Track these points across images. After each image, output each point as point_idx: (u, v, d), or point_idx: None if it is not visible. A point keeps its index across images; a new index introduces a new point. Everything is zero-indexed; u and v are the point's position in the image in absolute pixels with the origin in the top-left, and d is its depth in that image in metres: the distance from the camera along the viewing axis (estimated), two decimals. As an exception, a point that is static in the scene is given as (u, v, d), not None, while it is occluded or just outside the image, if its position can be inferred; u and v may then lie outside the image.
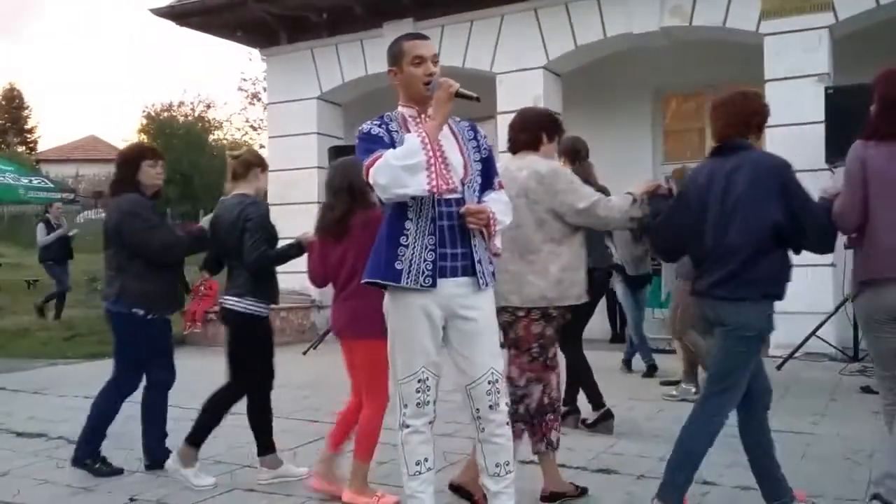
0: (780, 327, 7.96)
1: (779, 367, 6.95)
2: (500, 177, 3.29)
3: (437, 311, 2.89)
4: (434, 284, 2.85)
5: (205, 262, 4.31)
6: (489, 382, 2.91)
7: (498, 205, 2.99)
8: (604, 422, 5.01)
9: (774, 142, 8.04)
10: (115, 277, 4.23)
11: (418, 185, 2.79)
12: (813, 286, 7.27)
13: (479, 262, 2.91)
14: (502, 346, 3.34)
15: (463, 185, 2.92)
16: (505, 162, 3.61)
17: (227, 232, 3.98)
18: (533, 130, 3.69)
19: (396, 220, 2.89)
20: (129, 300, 4.17)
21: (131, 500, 3.81)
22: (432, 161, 2.79)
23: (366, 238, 3.34)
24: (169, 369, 4.48)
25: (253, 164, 4.11)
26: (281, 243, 4.18)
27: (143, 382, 4.49)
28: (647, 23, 8.88)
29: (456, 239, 2.89)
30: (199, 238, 4.30)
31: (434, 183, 2.78)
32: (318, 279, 3.90)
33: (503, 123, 9.81)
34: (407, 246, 2.87)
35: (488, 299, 2.97)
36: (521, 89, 9.36)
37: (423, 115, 2.95)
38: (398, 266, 2.86)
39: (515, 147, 3.73)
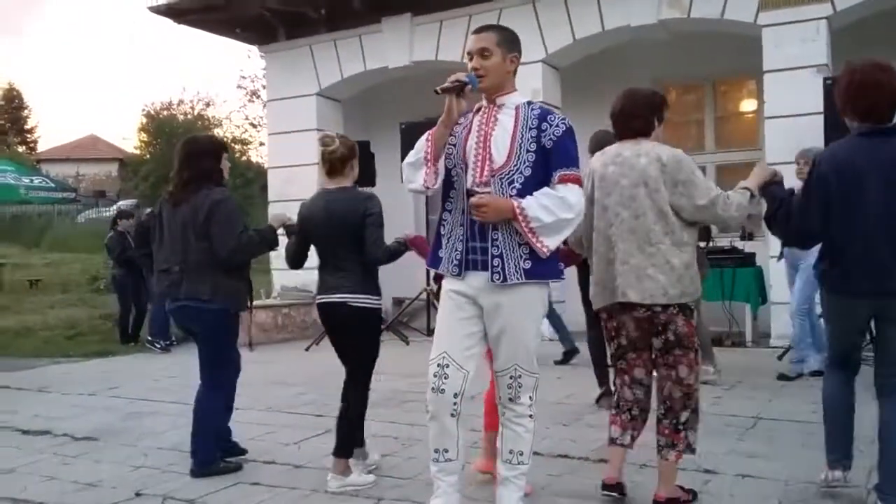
0: (781, 318, 8.01)
1: (780, 358, 6.97)
2: (614, 164, 3.34)
3: (471, 303, 2.98)
4: (460, 274, 2.97)
5: (291, 257, 4.07)
6: (511, 377, 3.01)
7: (542, 199, 2.89)
8: (606, 398, 5.22)
9: (773, 133, 8.08)
10: (204, 273, 4.02)
11: (419, 181, 2.99)
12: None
13: (500, 257, 2.91)
14: (663, 349, 3.30)
15: (493, 176, 2.93)
16: (617, 148, 3.42)
17: (338, 226, 3.79)
18: (646, 115, 3.42)
19: (441, 210, 3.08)
20: (224, 297, 4.04)
21: (137, 494, 3.83)
22: (429, 158, 2.94)
23: None
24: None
25: (348, 157, 3.91)
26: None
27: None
28: (645, 15, 8.87)
29: (480, 233, 2.95)
30: (269, 239, 4.17)
31: (427, 180, 2.96)
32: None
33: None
34: (444, 235, 3.05)
35: (516, 295, 2.93)
36: (520, 83, 9.08)
37: (491, 106, 3.04)
38: (441, 254, 3.05)
39: (625, 134, 3.45)
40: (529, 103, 3.05)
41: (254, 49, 14.33)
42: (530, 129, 2.95)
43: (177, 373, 7.71)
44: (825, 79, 7.57)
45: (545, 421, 4.93)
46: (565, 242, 3.20)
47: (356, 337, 3.88)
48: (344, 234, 3.79)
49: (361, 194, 3.91)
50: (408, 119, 9.30)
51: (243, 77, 28.71)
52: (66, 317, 11.49)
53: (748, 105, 10.45)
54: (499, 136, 2.96)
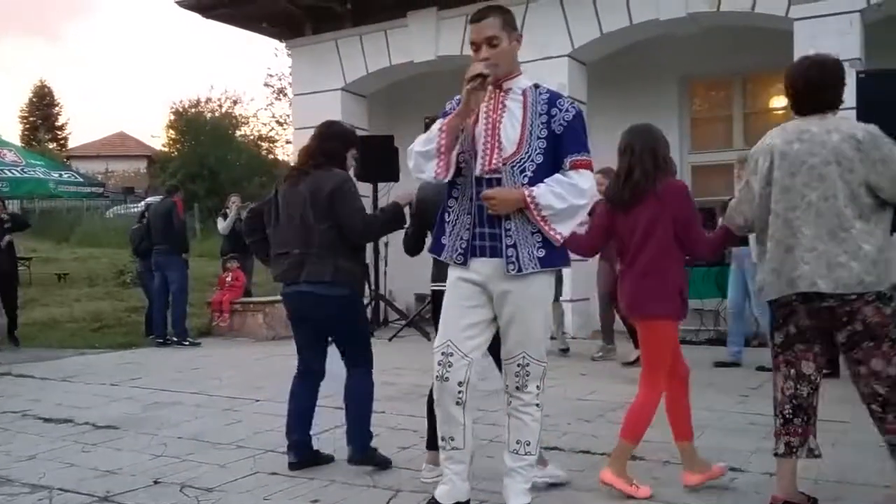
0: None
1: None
2: (799, 141, 3.01)
3: (479, 290, 2.94)
4: (465, 263, 2.92)
5: (407, 243, 3.84)
6: (518, 365, 2.97)
7: (554, 186, 2.85)
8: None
9: (805, 128, 7.90)
10: (326, 256, 3.80)
11: (430, 171, 2.93)
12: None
13: (514, 246, 2.87)
14: (850, 345, 2.96)
15: (506, 165, 2.88)
16: (800, 124, 3.08)
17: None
18: (835, 86, 3.08)
19: (448, 197, 3.02)
20: (345, 280, 3.81)
21: (156, 482, 3.82)
22: (443, 150, 2.88)
23: (662, 207, 3.36)
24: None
25: None
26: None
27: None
28: (674, 9, 8.74)
29: (488, 220, 2.91)
30: (397, 216, 3.89)
31: (439, 171, 2.90)
32: (590, 249, 3.77)
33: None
34: (450, 223, 2.99)
35: (527, 283, 2.89)
36: (546, 78, 9.16)
37: (498, 91, 2.96)
38: (444, 241, 3.01)
39: (810, 108, 3.08)
40: (537, 86, 2.99)
41: (280, 47, 14.43)
42: (540, 114, 2.91)
43: (200, 364, 7.76)
44: (858, 73, 7.40)
45: (567, 417, 4.87)
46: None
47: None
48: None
49: None
50: (433, 114, 9.22)
51: (270, 75, 28.92)
52: (93, 309, 11.57)
53: (779, 101, 10.25)
54: (507, 123, 2.92)
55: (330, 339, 4.02)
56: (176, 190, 10.48)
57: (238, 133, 28.53)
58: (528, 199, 2.82)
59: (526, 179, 2.87)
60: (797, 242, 3.00)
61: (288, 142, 26.73)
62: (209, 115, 28.46)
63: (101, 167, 33.80)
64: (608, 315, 7.46)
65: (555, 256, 2.92)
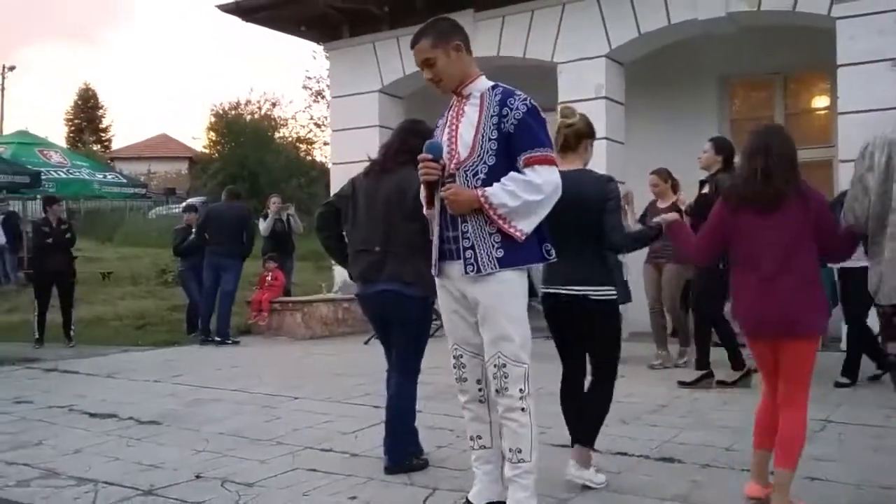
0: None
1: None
2: None
3: (458, 293, 3.00)
4: (438, 273, 3.04)
5: None
6: (495, 366, 2.92)
7: (507, 184, 2.83)
8: (705, 379, 6.05)
9: (848, 129, 7.78)
10: (408, 256, 3.74)
11: None
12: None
13: (472, 248, 2.89)
14: None
15: (458, 169, 2.93)
16: None
17: (581, 210, 3.43)
18: None
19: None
20: (425, 283, 3.65)
21: (197, 476, 3.90)
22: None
23: (807, 212, 3.14)
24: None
25: (584, 135, 3.66)
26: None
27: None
28: (713, 8, 8.64)
29: (451, 222, 2.96)
30: None
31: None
32: (708, 256, 3.61)
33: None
34: (434, 235, 3.07)
35: (491, 284, 2.89)
36: (583, 79, 9.24)
37: (459, 98, 3.07)
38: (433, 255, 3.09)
39: None
40: (495, 87, 2.99)
41: (319, 50, 14.55)
42: (492, 116, 2.92)
43: (240, 362, 7.88)
44: (902, 72, 7.27)
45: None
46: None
47: (602, 330, 3.59)
48: (583, 219, 3.46)
49: (603, 176, 3.66)
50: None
51: (308, 78, 29.15)
52: (136, 308, 11.84)
53: (821, 101, 10.10)
54: (464, 129, 2.97)
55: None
56: (238, 196, 10.41)
57: (277, 135, 28.86)
58: (482, 199, 2.83)
59: (479, 182, 2.88)
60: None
61: (326, 143, 26.94)
62: (249, 117, 28.83)
63: (144, 168, 34.47)
64: (660, 321, 7.25)
65: (516, 255, 2.89)
